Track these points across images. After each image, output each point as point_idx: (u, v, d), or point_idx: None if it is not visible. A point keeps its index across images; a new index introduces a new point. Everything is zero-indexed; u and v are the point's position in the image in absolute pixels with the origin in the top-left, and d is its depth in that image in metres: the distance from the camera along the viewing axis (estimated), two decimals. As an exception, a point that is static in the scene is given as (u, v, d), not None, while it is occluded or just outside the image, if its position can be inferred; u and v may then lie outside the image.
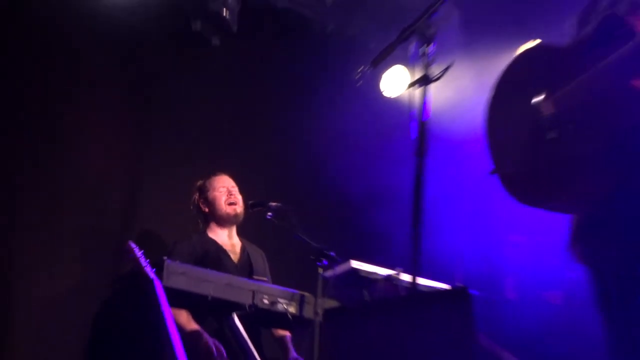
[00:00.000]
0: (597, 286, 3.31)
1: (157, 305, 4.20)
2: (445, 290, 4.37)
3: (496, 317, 5.38)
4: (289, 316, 4.78)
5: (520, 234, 5.64)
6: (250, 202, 5.31)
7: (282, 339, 5.27)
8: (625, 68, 3.05)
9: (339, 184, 6.17)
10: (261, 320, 4.92)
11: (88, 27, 5.64)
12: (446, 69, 3.55)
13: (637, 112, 3.02)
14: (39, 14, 5.50)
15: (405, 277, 4.65)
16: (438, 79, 3.51)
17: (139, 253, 4.37)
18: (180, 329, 4.62)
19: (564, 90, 3.22)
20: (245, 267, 5.34)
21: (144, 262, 4.33)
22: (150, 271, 4.30)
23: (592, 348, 3.42)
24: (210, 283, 4.60)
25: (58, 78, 5.57)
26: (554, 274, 5.45)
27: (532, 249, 5.66)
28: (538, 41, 5.54)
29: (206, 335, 4.83)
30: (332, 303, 4.70)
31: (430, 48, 3.57)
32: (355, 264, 4.80)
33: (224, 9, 5.74)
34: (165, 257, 4.50)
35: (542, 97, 3.28)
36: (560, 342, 5.20)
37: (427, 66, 3.46)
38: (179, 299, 4.54)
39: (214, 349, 4.74)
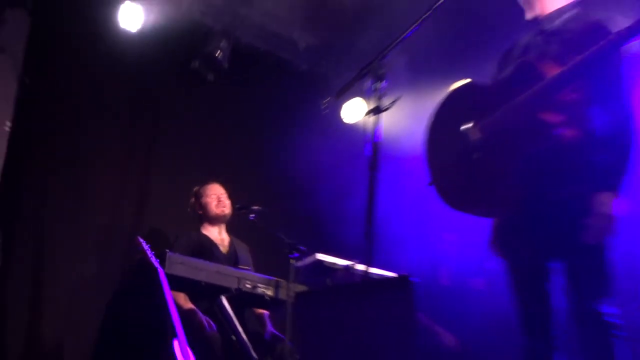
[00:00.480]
0: (511, 274, 3.35)
1: (160, 288, 4.18)
2: (392, 278, 4.39)
3: (433, 299, 5.38)
4: (267, 298, 4.78)
5: (453, 232, 5.64)
6: (237, 205, 5.29)
7: (261, 316, 5.28)
8: (534, 103, 3.09)
9: (308, 191, 6.17)
10: (244, 301, 4.89)
11: (107, 65, 5.63)
12: (394, 101, 3.54)
13: (542, 136, 3.06)
14: (67, 55, 5.53)
15: (360, 267, 4.64)
16: (388, 109, 3.51)
17: (146, 246, 4.36)
18: (179, 307, 4.62)
19: (487, 120, 3.25)
20: (232, 258, 5.33)
21: (150, 253, 4.32)
22: (155, 261, 4.29)
23: (508, 324, 3.42)
24: (203, 271, 4.61)
25: (84, 109, 5.63)
26: (478, 265, 5.46)
27: (461, 244, 5.66)
28: (468, 80, 5.58)
29: (200, 313, 4.82)
30: (301, 287, 4.71)
31: (382, 84, 3.57)
32: (320, 256, 4.80)
33: (218, 51, 5.73)
34: (167, 250, 4.50)
35: (470, 125, 3.30)
36: (483, 320, 5.20)
37: (379, 99, 3.46)
38: (178, 283, 4.54)
39: (205, 324, 4.74)
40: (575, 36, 3.18)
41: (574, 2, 3.34)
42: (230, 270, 4.79)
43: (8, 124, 5.02)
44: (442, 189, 3.43)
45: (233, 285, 4.66)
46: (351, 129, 6.49)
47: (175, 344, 4.01)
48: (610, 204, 2.97)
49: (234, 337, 4.69)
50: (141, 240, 4.36)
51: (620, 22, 3.03)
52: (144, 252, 4.29)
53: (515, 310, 3.31)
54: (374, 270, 4.79)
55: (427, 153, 3.53)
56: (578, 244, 3.05)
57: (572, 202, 3.06)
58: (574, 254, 3.09)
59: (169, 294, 4.16)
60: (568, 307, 3.09)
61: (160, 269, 4.24)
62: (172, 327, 4.02)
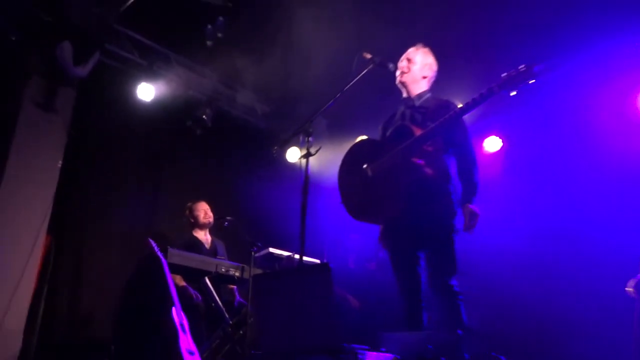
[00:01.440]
0: (393, 260, 3.33)
1: (162, 272, 4.05)
2: (317, 265, 4.38)
3: (344, 277, 5.37)
4: (236, 278, 4.67)
5: (356, 233, 5.63)
6: (217, 217, 5.21)
7: (232, 290, 5.16)
8: (408, 151, 3.11)
9: (264, 207, 6.09)
10: (221, 280, 4.76)
11: (128, 122, 5.53)
12: (317, 150, 3.54)
13: (413, 172, 3.07)
14: (101, 116, 5.42)
15: (297, 256, 4.60)
16: (313, 154, 3.50)
17: (153, 244, 4.21)
18: (176, 285, 4.48)
19: (378, 161, 3.25)
20: (213, 252, 5.21)
21: (156, 249, 4.18)
22: (160, 254, 4.15)
23: (392, 292, 3.40)
24: (193, 260, 4.50)
25: (113, 152, 5.53)
26: (372, 254, 5.48)
27: (363, 240, 5.66)
28: (365, 137, 5.62)
29: (190, 288, 4.72)
30: (258, 271, 4.61)
31: (310, 138, 3.56)
32: (271, 249, 4.75)
33: (204, 115, 5.66)
34: (169, 247, 4.37)
35: (366, 165, 3.29)
36: (376, 290, 5.20)
37: (308, 148, 3.45)
38: (176, 269, 4.43)
39: (194, 296, 4.63)
40: (430, 110, 3.23)
41: (428, 89, 3.40)
42: (211, 259, 4.66)
43: (60, 162, 4.83)
44: (348, 206, 3.39)
45: (213, 269, 4.55)
46: (292, 166, 6.44)
47: (173, 310, 3.87)
48: (473, 213, 2.99)
49: (213, 305, 4.59)
50: (150, 240, 4.22)
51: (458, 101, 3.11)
52: (152, 248, 4.15)
53: (396, 283, 3.30)
54: (306, 258, 4.76)
55: (339, 183, 3.48)
56: (435, 239, 3.09)
57: (431, 214, 3.09)
58: (433, 246, 3.11)
59: (169, 276, 4.03)
60: (429, 282, 3.11)
61: (163, 260, 4.11)
62: (171, 299, 3.88)
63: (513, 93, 2.78)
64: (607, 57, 4.60)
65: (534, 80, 2.73)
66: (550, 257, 4.81)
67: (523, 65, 2.76)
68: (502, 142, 5.41)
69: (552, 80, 4.96)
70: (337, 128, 5.97)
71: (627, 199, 4.30)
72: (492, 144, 5.43)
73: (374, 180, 3.21)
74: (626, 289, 3.65)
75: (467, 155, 3.13)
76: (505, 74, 2.80)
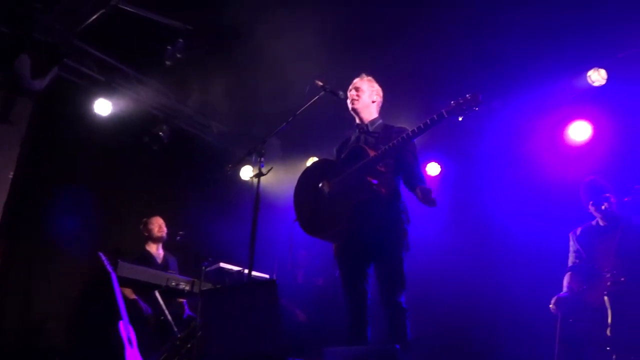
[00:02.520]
0: (343, 276, 3.29)
1: (111, 286, 3.90)
2: (264, 280, 4.33)
3: (292, 291, 5.33)
4: (185, 291, 4.55)
5: (304, 249, 5.59)
6: (170, 232, 5.11)
7: (181, 303, 5.01)
8: (364, 171, 3.13)
9: (217, 222, 5.99)
10: (171, 293, 4.62)
11: (85, 137, 5.36)
12: (269, 170, 3.53)
13: (366, 190, 3.09)
14: (57, 129, 5.21)
15: (246, 271, 4.53)
16: (265, 174, 3.49)
17: (103, 258, 4.06)
18: (126, 298, 4.34)
19: (334, 181, 3.25)
20: (165, 266, 5.08)
21: (106, 263, 4.02)
22: (109, 268, 3.99)
23: (339, 309, 3.38)
24: (144, 273, 4.36)
25: (67, 166, 5.30)
26: (320, 270, 5.47)
27: (311, 256, 5.64)
28: (318, 158, 5.61)
29: (140, 301, 4.57)
30: (208, 285, 4.52)
31: (262, 159, 3.54)
32: (222, 264, 4.66)
33: (160, 132, 5.55)
34: (119, 260, 4.22)
35: (322, 183, 3.28)
36: (322, 304, 5.18)
37: (260, 168, 3.43)
38: (127, 282, 4.29)
39: (144, 309, 4.49)
40: (382, 134, 3.28)
41: (379, 115, 3.46)
42: (162, 273, 4.54)
43: (11, 173, 4.60)
44: (303, 223, 3.37)
45: (163, 283, 4.42)
46: (245, 183, 6.37)
47: (121, 324, 3.72)
48: (422, 188, 2.98)
49: (162, 318, 4.44)
50: (100, 253, 4.06)
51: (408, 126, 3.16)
52: (102, 261, 3.98)
53: (343, 298, 3.27)
54: (256, 273, 4.69)
55: (295, 201, 3.46)
56: (386, 256, 3.10)
57: (383, 232, 3.11)
58: (384, 263, 3.12)
59: (118, 290, 3.89)
60: (379, 298, 3.10)
61: (112, 273, 3.95)
62: (119, 313, 3.73)
63: (460, 118, 2.86)
64: (541, 96, 4.94)
65: (477, 108, 2.82)
66: (489, 274, 4.94)
67: (469, 94, 2.84)
68: (441, 167, 5.63)
69: (493, 112, 5.22)
70: (290, 149, 5.97)
71: (559, 215, 4.46)
72: (433, 169, 5.64)
73: (330, 197, 3.23)
74: (550, 306, 3.78)
75: (420, 181, 3.18)
76: (453, 101, 2.88)
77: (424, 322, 4.01)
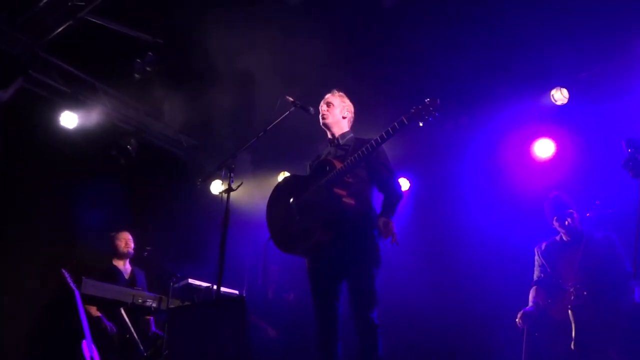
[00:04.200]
0: (314, 292, 3.23)
1: (75, 304, 3.77)
2: (232, 298, 4.29)
3: (263, 306, 5.27)
4: (152, 309, 4.44)
5: (275, 264, 5.52)
6: (138, 247, 5.01)
7: (148, 320, 4.88)
8: (331, 183, 3.11)
9: (187, 238, 5.90)
10: (137, 310, 4.50)
11: (51, 149, 5.24)
12: (239, 185, 3.49)
13: (336, 203, 3.07)
14: (24, 140, 5.05)
15: (215, 287, 4.46)
16: (235, 190, 3.45)
17: (67, 275, 3.92)
18: (90, 315, 4.23)
19: (303, 196, 3.23)
20: (132, 281, 4.95)
21: (69, 280, 3.90)
22: (72, 285, 3.87)
23: (309, 325, 3.32)
24: (109, 291, 4.25)
25: (34, 177, 5.13)
26: (289, 285, 5.43)
27: (283, 271, 5.59)
28: (289, 173, 5.58)
29: (105, 319, 4.44)
30: (177, 301, 4.43)
31: (232, 174, 3.51)
32: (190, 280, 4.57)
33: (128, 145, 5.45)
34: (83, 277, 4.10)
35: (293, 199, 3.26)
36: (292, 319, 5.13)
37: (229, 183, 3.40)
38: (91, 299, 4.19)
39: (108, 327, 4.36)
40: (352, 147, 3.28)
41: (349, 130, 3.47)
42: (128, 290, 4.44)
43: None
44: (277, 240, 3.32)
45: (129, 300, 4.31)
46: (215, 198, 6.27)
47: (84, 343, 3.60)
48: (388, 222, 3.00)
49: (128, 336, 4.32)
50: (64, 271, 3.93)
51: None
52: (65, 279, 3.86)
53: (314, 314, 3.21)
54: (226, 289, 4.63)
55: (267, 218, 3.41)
56: (358, 272, 3.07)
57: (354, 246, 3.08)
58: (355, 279, 3.09)
59: (81, 308, 3.77)
60: (351, 314, 3.06)
61: (76, 291, 3.83)
62: (82, 332, 3.61)
63: (421, 124, 2.90)
64: (509, 113, 5.07)
65: (437, 113, 2.86)
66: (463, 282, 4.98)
67: (428, 99, 2.88)
68: (410, 182, 5.69)
69: (462, 128, 5.33)
70: (261, 164, 5.93)
71: (528, 228, 4.52)
72: (402, 183, 5.69)
73: (300, 213, 3.19)
74: (516, 320, 3.83)
75: (393, 191, 3.19)
76: (413, 107, 2.92)
77: (395, 338, 4.02)
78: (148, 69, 4.58)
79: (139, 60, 4.63)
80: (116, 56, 4.86)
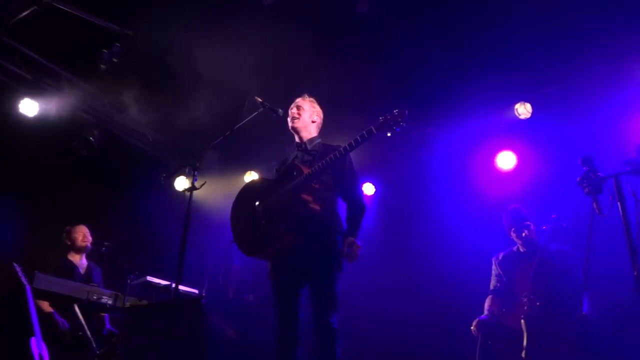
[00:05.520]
0: (276, 293, 3.18)
1: (25, 300, 3.63)
2: (190, 299, 4.23)
3: (223, 306, 5.21)
4: (108, 306, 4.31)
5: (242, 264, 5.47)
6: (95, 241, 4.85)
7: (102, 317, 4.74)
8: (297, 189, 3.10)
9: (147, 234, 5.78)
10: (92, 307, 4.35)
11: (9, 138, 5.03)
12: (203, 184, 3.44)
13: (302, 207, 3.03)
14: None
15: (174, 286, 4.38)
16: (198, 188, 3.40)
17: (18, 269, 3.78)
18: (42, 311, 4.09)
19: (268, 200, 3.20)
20: (88, 277, 4.79)
21: (21, 274, 3.75)
22: (24, 280, 3.73)
23: (269, 327, 3.29)
24: (63, 286, 4.09)
25: None
26: (253, 286, 5.38)
27: (245, 272, 5.54)
28: (256, 173, 5.51)
29: (57, 315, 4.30)
30: (134, 299, 4.31)
31: (196, 172, 3.46)
32: (149, 278, 4.48)
33: (91, 137, 5.31)
34: (36, 271, 3.95)
35: (258, 203, 3.23)
36: (253, 319, 5.09)
37: (193, 182, 3.35)
38: (44, 295, 4.02)
39: (60, 323, 4.22)
40: (320, 153, 3.28)
41: (317, 135, 3.47)
42: (82, 286, 4.26)
43: None
44: (240, 243, 3.28)
45: (84, 296, 4.15)
46: (179, 195, 6.17)
47: (33, 340, 3.47)
48: (354, 244, 3.01)
49: (81, 333, 4.19)
50: (15, 265, 3.79)
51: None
52: (16, 273, 3.72)
53: (274, 316, 3.18)
54: (186, 288, 4.56)
55: (231, 221, 3.36)
56: (320, 277, 3.07)
57: (317, 251, 3.07)
58: (317, 283, 3.08)
59: (32, 303, 3.64)
60: (310, 317, 3.05)
61: (27, 286, 3.69)
62: (31, 328, 3.48)
63: (389, 134, 2.92)
64: (476, 125, 5.21)
65: (404, 124, 2.90)
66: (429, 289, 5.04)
67: (396, 110, 2.93)
68: (375, 187, 5.74)
69: (430, 138, 5.41)
70: (229, 162, 5.87)
71: (492, 236, 4.61)
72: (367, 189, 5.75)
73: (265, 217, 3.17)
74: (471, 328, 3.90)
75: (358, 201, 3.21)
76: (381, 117, 2.96)
77: (355, 342, 4.03)
78: (115, 60, 4.48)
79: (105, 51, 4.52)
80: (83, 45, 4.73)
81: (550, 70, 4.70)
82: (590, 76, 4.60)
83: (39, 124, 5.13)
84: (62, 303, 4.25)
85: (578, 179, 2.40)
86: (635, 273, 2.21)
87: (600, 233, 2.48)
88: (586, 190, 2.35)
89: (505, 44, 4.30)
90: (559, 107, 4.85)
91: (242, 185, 3.54)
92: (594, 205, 2.33)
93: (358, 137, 3.00)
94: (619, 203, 2.31)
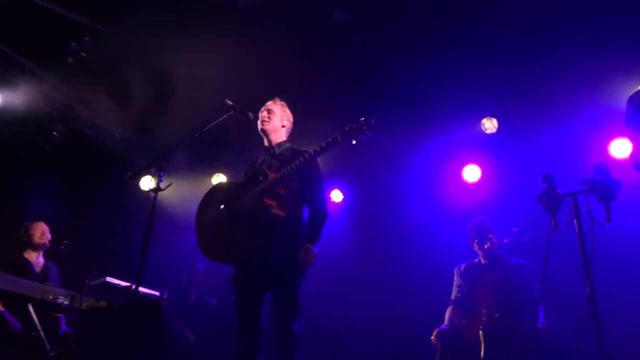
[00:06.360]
0: (238, 298, 3.16)
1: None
2: (149, 302, 4.17)
3: (185, 309, 5.13)
4: (64, 306, 4.18)
5: (205, 262, 5.38)
6: (55, 240, 4.71)
7: (57, 318, 4.60)
8: (262, 194, 3.08)
9: (109, 234, 5.65)
10: (47, 307, 4.21)
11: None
12: (168, 185, 3.38)
13: (265, 214, 3.02)
14: None
15: (134, 287, 4.28)
16: (163, 189, 3.34)
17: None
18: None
19: (233, 204, 3.17)
20: (44, 276, 4.64)
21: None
22: None
23: (230, 331, 3.26)
24: (16, 284, 3.96)
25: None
26: (216, 290, 5.32)
27: (208, 275, 5.47)
28: (224, 175, 5.44)
29: (7, 315, 4.12)
30: (91, 300, 4.18)
31: (162, 173, 3.40)
32: (108, 278, 4.36)
33: (55, 132, 5.16)
34: None
35: (223, 206, 3.20)
36: (215, 323, 5.03)
37: (158, 183, 3.29)
38: (-5, 293, 3.84)
39: (11, 323, 4.07)
40: (287, 158, 3.28)
41: (287, 139, 3.46)
42: (38, 285, 4.12)
43: None
44: (204, 247, 3.25)
45: (39, 296, 4.02)
46: (145, 194, 6.06)
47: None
48: (310, 252, 3.00)
49: (34, 334, 4.04)
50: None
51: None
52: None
53: (236, 321, 3.14)
54: (147, 290, 4.46)
55: (196, 225, 3.32)
56: (283, 282, 3.06)
57: (280, 256, 3.06)
58: (279, 289, 3.07)
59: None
60: (272, 323, 3.04)
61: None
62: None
63: (354, 142, 2.94)
64: (447, 137, 5.31)
65: (370, 133, 2.92)
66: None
67: (362, 119, 2.95)
68: (344, 194, 5.76)
69: (399, 148, 5.47)
70: (197, 163, 5.79)
71: (458, 246, 4.68)
72: (336, 195, 5.78)
73: (229, 221, 3.14)
74: (431, 338, 3.95)
75: (320, 208, 3.21)
76: (347, 125, 2.97)
77: (315, 350, 4.03)
78: (83, 54, 4.37)
79: (74, 44, 4.41)
80: (51, 38, 4.61)
81: (517, 88, 4.83)
82: (555, 96, 4.75)
83: (0, 116, 4.97)
84: (16, 302, 4.10)
85: (538, 196, 2.47)
86: (587, 288, 2.28)
87: (557, 249, 2.55)
88: (544, 207, 2.42)
89: (476, 59, 4.39)
90: (523, 124, 4.99)
91: (209, 187, 3.51)
92: (552, 221, 2.40)
93: (324, 144, 3.02)
94: (575, 220, 2.38)
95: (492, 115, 5.08)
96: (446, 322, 4.05)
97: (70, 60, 4.41)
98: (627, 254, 4.06)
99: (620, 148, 4.36)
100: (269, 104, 3.49)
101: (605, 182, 2.29)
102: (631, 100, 2.39)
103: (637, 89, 2.43)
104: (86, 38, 4.33)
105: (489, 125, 5.07)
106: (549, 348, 3.68)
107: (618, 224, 2.40)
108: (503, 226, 4.28)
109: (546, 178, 2.47)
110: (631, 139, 2.37)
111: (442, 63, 4.46)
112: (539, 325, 3.72)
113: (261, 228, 3.05)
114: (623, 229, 3.35)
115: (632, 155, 2.35)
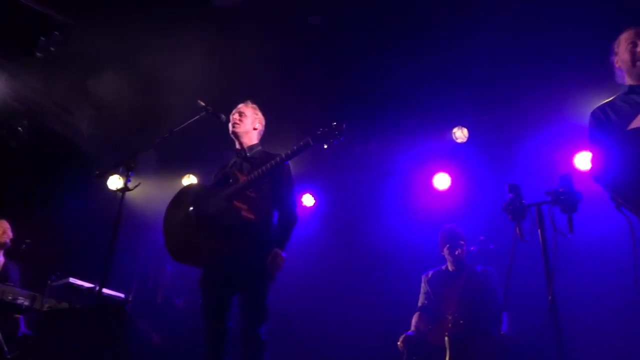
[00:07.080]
0: (205, 303, 3.12)
1: None
2: (113, 305, 4.10)
3: (151, 311, 5.03)
4: (24, 307, 4.06)
5: (172, 265, 5.28)
6: (16, 238, 4.63)
7: (17, 319, 4.46)
8: (232, 196, 3.06)
9: (75, 233, 5.51)
10: (5, 308, 4.10)
11: None
12: (137, 185, 3.33)
13: (235, 217, 3.00)
14: None
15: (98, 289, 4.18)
16: (131, 190, 3.29)
17: None
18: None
19: (202, 206, 3.13)
20: (4, 276, 4.55)
21: None
22: None
23: (197, 334, 3.20)
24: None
25: None
26: (183, 292, 5.25)
27: (175, 277, 5.38)
28: (194, 176, 5.36)
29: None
30: (53, 301, 4.10)
31: (131, 173, 3.35)
32: (72, 279, 4.26)
33: (20, 127, 5.02)
34: None
35: (192, 208, 3.16)
36: (181, 326, 4.94)
37: (126, 183, 3.24)
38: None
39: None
40: (258, 161, 3.26)
41: (258, 142, 3.45)
42: (-5, 285, 4.02)
43: None
44: (172, 249, 3.20)
45: (-6, 297, 3.91)
46: (112, 194, 5.93)
47: None
48: (278, 256, 2.98)
49: (-10, 336, 3.91)
50: None
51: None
52: None
53: (202, 324, 3.10)
54: (112, 292, 4.38)
55: (164, 226, 3.27)
56: (252, 286, 3.03)
57: (249, 260, 3.04)
58: (248, 292, 3.04)
59: None
60: (239, 328, 3.01)
61: None
62: None
63: (325, 146, 2.95)
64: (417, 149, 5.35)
65: (342, 137, 2.93)
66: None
67: (334, 123, 2.96)
68: (315, 199, 5.76)
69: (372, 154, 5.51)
70: (167, 164, 5.70)
71: (430, 251, 4.72)
72: (307, 200, 5.78)
73: (198, 224, 3.10)
74: (398, 344, 3.98)
75: (290, 212, 3.20)
76: (319, 130, 2.98)
77: (280, 354, 3.99)
78: (52, 48, 4.26)
79: (43, 39, 4.30)
80: (19, 31, 4.47)
81: (487, 99, 4.92)
82: (524, 108, 4.87)
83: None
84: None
85: (504, 205, 2.52)
86: (549, 296, 2.33)
87: (521, 257, 2.60)
88: (510, 216, 2.47)
89: (448, 71, 4.47)
90: (493, 134, 5.09)
91: (179, 188, 3.46)
92: (517, 230, 2.45)
93: (295, 148, 3.02)
94: (539, 230, 2.44)
95: (463, 125, 5.16)
96: (413, 328, 4.09)
97: (38, 54, 4.29)
98: (587, 264, 4.17)
99: (584, 161, 4.49)
100: (241, 106, 3.47)
101: (568, 193, 2.35)
102: (593, 114, 2.46)
103: (599, 104, 2.50)
104: (56, 32, 4.23)
105: (460, 134, 5.15)
106: (512, 354, 3.75)
107: (580, 234, 2.46)
108: (471, 234, 4.35)
109: (512, 188, 2.52)
110: (592, 152, 2.44)
111: (417, 72, 4.52)
112: (502, 332, 3.79)
113: (230, 231, 3.02)
114: (584, 239, 3.45)
115: (591, 167, 2.41)
